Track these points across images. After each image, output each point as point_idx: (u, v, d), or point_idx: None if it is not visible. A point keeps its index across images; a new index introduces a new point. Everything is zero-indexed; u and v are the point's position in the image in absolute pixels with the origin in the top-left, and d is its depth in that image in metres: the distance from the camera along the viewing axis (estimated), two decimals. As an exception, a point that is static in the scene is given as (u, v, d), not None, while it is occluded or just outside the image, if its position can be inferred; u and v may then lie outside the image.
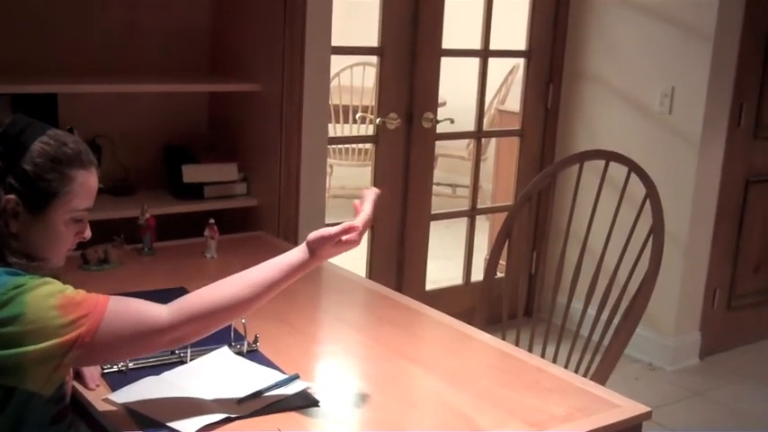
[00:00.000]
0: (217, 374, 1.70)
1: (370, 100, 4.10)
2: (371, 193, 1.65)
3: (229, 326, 1.75)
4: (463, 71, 4.05)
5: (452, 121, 3.79)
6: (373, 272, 3.66)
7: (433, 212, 3.83)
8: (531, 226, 3.93)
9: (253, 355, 1.82)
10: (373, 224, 3.64)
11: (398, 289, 3.41)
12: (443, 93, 3.78)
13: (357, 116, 4.71)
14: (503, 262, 3.11)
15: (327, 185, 3.42)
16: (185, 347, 1.72)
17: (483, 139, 4.24)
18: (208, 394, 1.61)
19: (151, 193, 2.93)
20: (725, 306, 3.95)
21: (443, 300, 3.62)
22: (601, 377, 2.23)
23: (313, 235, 1.57)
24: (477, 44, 3.83)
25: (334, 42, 3.06)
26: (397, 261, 3.75)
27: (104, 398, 1.60)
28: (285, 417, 1.57)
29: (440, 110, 3.76)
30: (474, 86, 3.88)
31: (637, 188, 2.44)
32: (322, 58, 3.01)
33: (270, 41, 2.93)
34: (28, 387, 1.35)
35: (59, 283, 1.40)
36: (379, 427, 1.57)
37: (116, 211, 2.68)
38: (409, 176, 3.68)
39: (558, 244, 2.69)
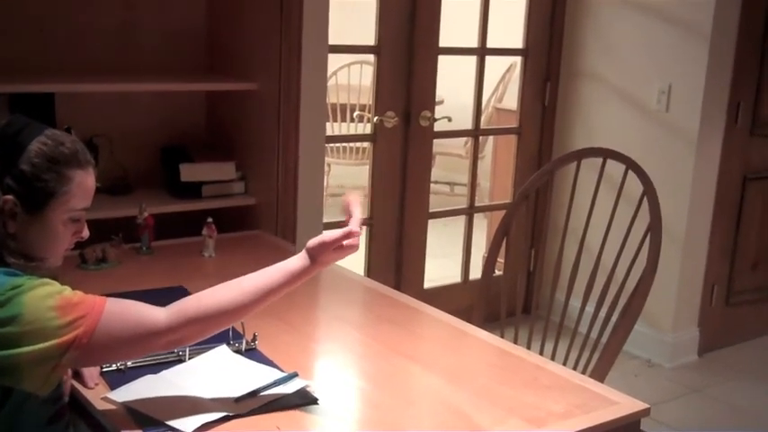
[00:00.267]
0: (215, 373, 1.71)
1: (367, 98, 4.10)
2: (357, 197, 1.66)
3: (228, 325, 1.75)
4: (460, 69, 4.05)
5: (450, 120, 3.79)
6: (372, 270, 3.66)
7: (431, 211, 3.83)
8: (528, 224, 3.91)
9: (251, 353, 1.82)
10: (372, 222, 3.66)
11: (397, 287, 3.40)
12: (441, 91, 3.78)
13: (354, 115, 4.69)
14: (501, 260, 3.12)
15: (325, 184, 3.42)
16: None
17: (480, 138, 4.25)
18: (206, 393, 1.61)
19: (149, 193, 2.93)
20: (723, 303, 3.96)
21: (442, 298, 3.62)
22: (599, 374, 2.23)
23: (313, 241, 1.57)
24: (474, 42, 3.83)
25: (332, 41, 3.05)
26: (396, 259, 3.75)
27: (103, 396, 1.60)
28: (284, 415, 1.57)
29: (437, 108, 3.77)
30: (471, 85, 3.88)
31: (634, 185, 2.44)
32: (319, 56, 3.00)
33: (267, 40, 2.93)
34: (25, 387, 1.35)
35: (57, 284, 1.40)
36: (378, 425, 1.57)
37: (114, 211, 2.68)
38: (407, 175, 3.69)
39: (556, 241, 2.69)
